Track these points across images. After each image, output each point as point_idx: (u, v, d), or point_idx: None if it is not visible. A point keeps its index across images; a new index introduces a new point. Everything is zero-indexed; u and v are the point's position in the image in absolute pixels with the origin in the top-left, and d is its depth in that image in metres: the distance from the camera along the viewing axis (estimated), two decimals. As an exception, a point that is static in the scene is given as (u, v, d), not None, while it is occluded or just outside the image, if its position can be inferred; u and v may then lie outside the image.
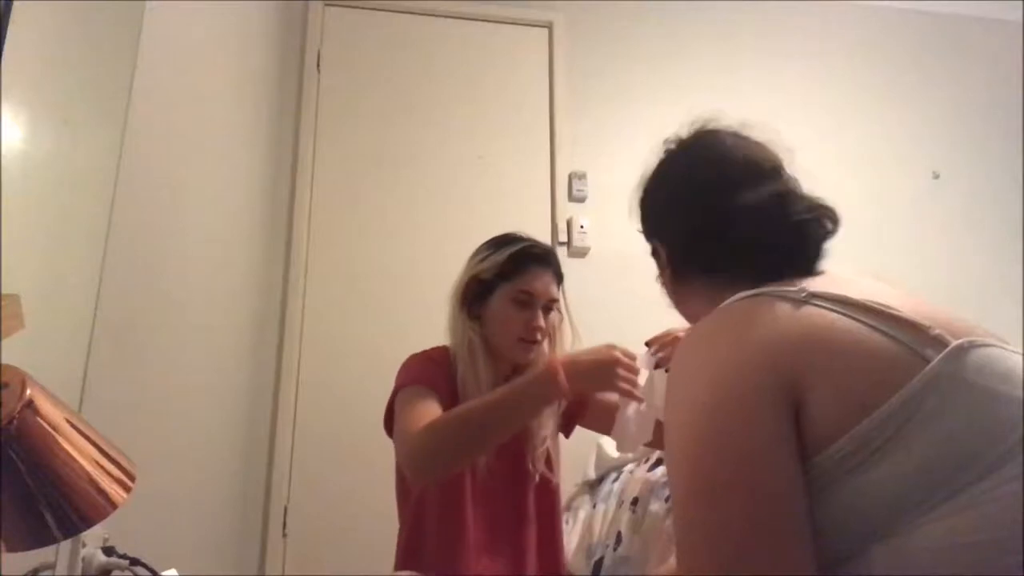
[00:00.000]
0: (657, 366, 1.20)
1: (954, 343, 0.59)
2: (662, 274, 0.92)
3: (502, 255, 1.39)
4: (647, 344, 1.24)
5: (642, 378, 1.18)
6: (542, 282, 1.36)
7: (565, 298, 1.44)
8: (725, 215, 0.80)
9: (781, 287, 0.68)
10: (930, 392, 0.57)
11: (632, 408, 1.18)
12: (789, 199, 0.79)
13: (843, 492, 0.57)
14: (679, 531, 0.63)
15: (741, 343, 0.65)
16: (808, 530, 0.57)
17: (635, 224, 0.97)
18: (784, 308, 0.66)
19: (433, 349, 1.43)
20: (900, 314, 0.62)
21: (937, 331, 0.60)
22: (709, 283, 0.82)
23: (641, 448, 1.37)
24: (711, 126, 0.89)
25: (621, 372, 1.14)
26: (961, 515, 0.54)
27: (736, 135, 0.87)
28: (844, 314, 0.63)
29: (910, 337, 0.61)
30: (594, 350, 1.17)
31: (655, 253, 0.92)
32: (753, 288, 0.74)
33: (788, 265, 0.76)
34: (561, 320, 1.43)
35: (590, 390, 1.20)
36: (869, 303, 0.64)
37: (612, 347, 1.16)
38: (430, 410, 1.23)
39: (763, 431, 0.60)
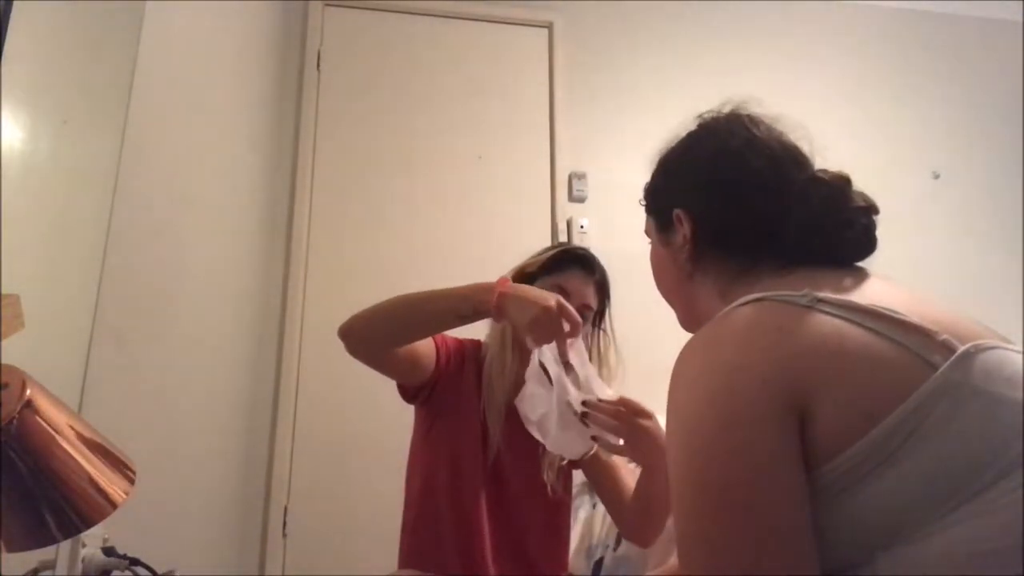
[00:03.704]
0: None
1: (961, 349, 0.58)
2: (670, 252, 0.86)
3: (550, 253, 1.42)
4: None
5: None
6: (579, 284, 1.37)
7: (611, 320, 1.44)
8: (781, 187, 0.76)
9: (786, 292, 0.67)
10: (938, 400, 0.56)
11: (547, 397, 1.14)
12: (850, 187, 0.75)
13: (850, 502, 0.57)
14: (681, 544, 0.62)
15: (744, 353, 0.63)
16: (811, 543, 0.57)
17: (638, 206, 0.94)
18: (789, 315, 0.64)
19: (468, 339, 1.46)
20: (907, 319, 0.61)
21: (944, 336, 0.59)
22: (729, 264, 0.79)
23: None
24: (753, 108, 0.86)
25: (548, 321, 1.10)
26: (969, 523, 0.53)
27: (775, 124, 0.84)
28: (850, 320, 0.62)
29: (917, 343, 0.59)
30: (540, 291, 1.16)
31: (665, 227, 0.87)
32: (777, 274, 0.72)
33: (830, 254, 0.73)
34: (609, 343, 1.43)
35: (513, 320, 1.16)
36: (876, 308, 0.62)
37: (556, 297, 1.13)
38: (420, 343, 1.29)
39: (766, 444, 0.59)
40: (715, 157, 0.83)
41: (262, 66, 2.29)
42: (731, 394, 0.61)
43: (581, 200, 2.72)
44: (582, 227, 2.66)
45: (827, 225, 0.74)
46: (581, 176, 2.74)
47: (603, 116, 2.85)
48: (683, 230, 0.83)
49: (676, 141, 0.89)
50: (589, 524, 2.00)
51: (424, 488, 1.36)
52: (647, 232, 0.94)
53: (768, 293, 0.68)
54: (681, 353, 0.70)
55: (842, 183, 0.75)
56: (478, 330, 1.44)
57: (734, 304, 0.70)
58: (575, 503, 2.23)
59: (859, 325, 0.61)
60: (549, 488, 1.36)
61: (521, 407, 1.18)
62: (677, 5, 3.03)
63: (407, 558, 1.36)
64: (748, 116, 0.84)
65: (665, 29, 3.00)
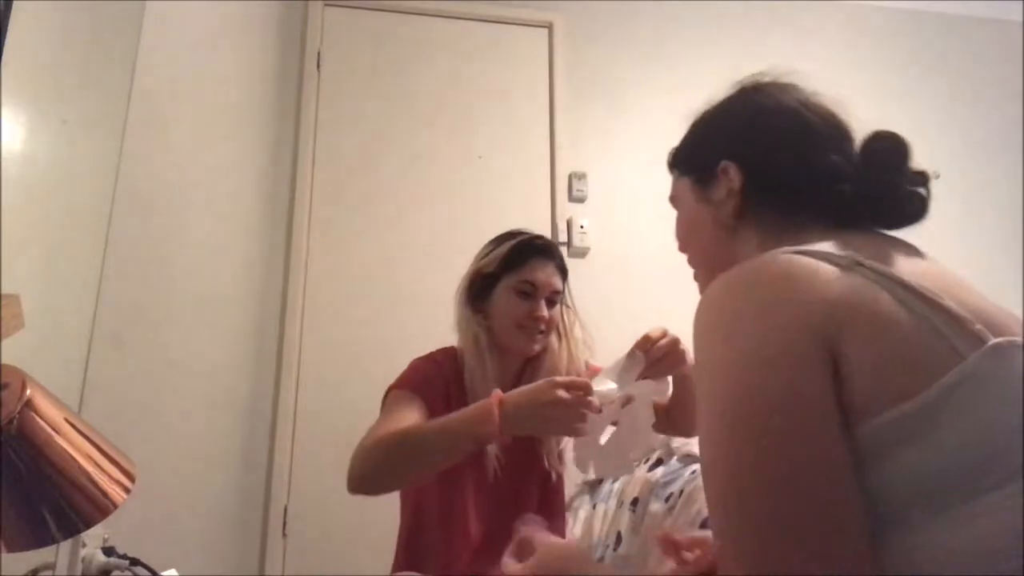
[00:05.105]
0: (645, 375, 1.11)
1: (992, 341, 0.56)
2: (710, 208, 0.82)
3: (505, 248, 1.40)
4: (640, 349, 1.12)
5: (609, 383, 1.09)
6: (544, 273, 1.37)
7: (571, 293, 1.44)
8: (838, 144, 0.76)
9: (827, 249, 0.65)
10: (962, 389, 0.55)
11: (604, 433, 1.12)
12: (911, 151, 0.74)
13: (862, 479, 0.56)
14: (718, 493, 0.60)
15: (783, 291, 0.62)
16: (856, 487, 0.55)
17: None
18: (828, 269, 0.63)
19: (439, 350, 1.43)
20: (942, 302, 0.59)
21: (978, 326, 0.58)
22: (776, 218, 0.77)
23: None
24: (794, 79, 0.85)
25: (565, 413, 1.03)
26: (979, 519, 0.53)
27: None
28: (888, 290, 0.60)
29: (950, 329, 0.58)
30: (534, 388, 1.06)
31: (705, 182, 0.83)
32: (822, 233, 0.70)
33: (884, 214, 0.73)
34: (574, 316, 1.43)
35: (528, 433, 1.14)
36: (913, 284, 0.60)
37: (553, 383, 1.04)
38: (405, 418, 1.22)
39: (812, 381, 0.57)
40: (769, 110, 0.82)
41: (262, 66, 2.29)
42: (772, 331, 0.60)
43: (581, 200, 2.72)
44: (582, 227, 2.66)
45: (888, 180, 0.73)
46: (581, 176, 2.74)
47: (603, 116, 2.85)
48: (729, 183, 0.81)
49: (716, 102, 0.88)
50: (589, 524, 2.01)
51: (417, 505, 1.37)
52: (674, 197, 0.91)
53: (807, 247, 0.66)
54: (708, 293, 0.68)
55: (907, 143, 0.75)
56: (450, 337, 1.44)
57: (770, 252, 0.67)
58: (575, 503, 2.24)
59: (895, 296, 0.60)
60: (554, 475, 1.38)
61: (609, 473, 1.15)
62: (677, 5, 3.03)
63: (402, 558, 1.37)
64: (792, 83, 0.84)
65: (665, 28, 3.00)
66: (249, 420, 2.20)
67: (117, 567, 0.95)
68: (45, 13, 0.90)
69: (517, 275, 1.36)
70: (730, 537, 0.58)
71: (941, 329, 0.58)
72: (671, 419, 1.30)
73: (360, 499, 2.27)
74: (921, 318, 0.58)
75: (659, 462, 1.84)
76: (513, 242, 1.41)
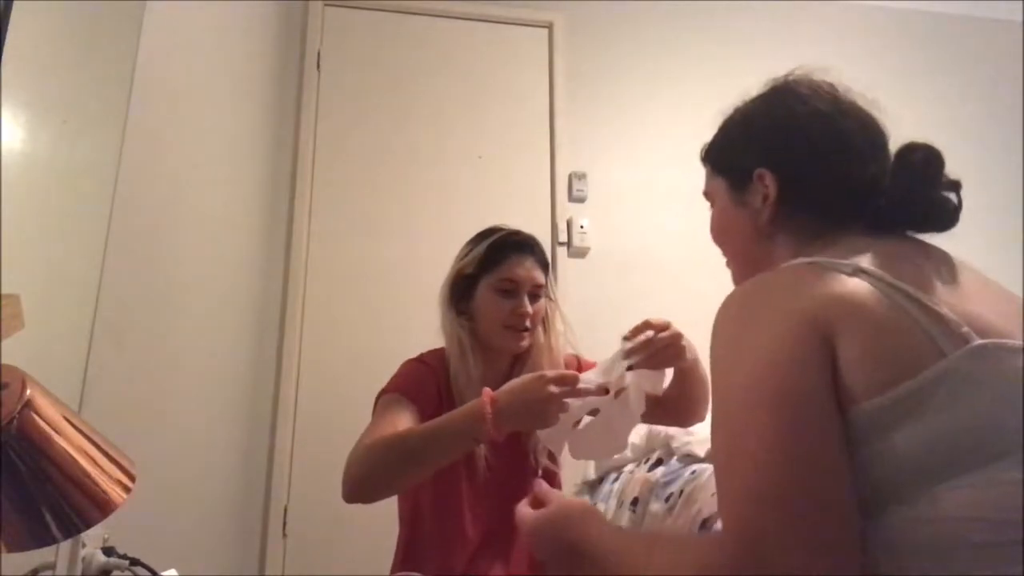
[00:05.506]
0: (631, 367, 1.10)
1: (975, 343, 0.60)
2: (747, 212, 0.84)
3: (483, 247, 1.39)
4: (632, 333, 1.12)
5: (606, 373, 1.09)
6: (524, 269, 1.35)
7: (554, 286, 1.44)
8: (873, 151, 0.79)
9: (834, 259, 0.70)
10: (942, 383, 0.59)
11: (591, 417, 1.12)
12: (943, 163, 0.77)
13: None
14: (723, 468, 0.64)
15: (788, 299, 0.68)
16: (844, 464, 0.60)
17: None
18: (831, 275, 0.68)
19: (428, 352, 1.43)
20: (936, 308, 0.63)
21: (965, 329, 0.62)
22: (810, 224, 0.79)
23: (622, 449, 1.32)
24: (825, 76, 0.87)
25: (557, 408, 1.03)
26: (962, 496, 0.56)
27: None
28: (885, 294, 0.65)
29: (938, 330, 0.62)
30: (524, 384, 1.05)
31: (740, 186, 0.84)
32: (854, 240, 0.74)
33: (916, 224, 0.76)
34: (555, 308, 1.43)
35: (521, 428, 1.15)
36: (909, 290, 0.65)
37: (543, 378, 1.03)
38: (398, 422, 1.21)
39: (809, 374, 0.62)
40: (803, 117, 0.83)
41: (262, 66, 2.29)
42: (776, 333, 0.65)
43: (581, 200, 2.72)
44: (582, 227, 2.66)
45: (924, 190, 0.76)
46: (581, 176, 2.74)
47: (603, 116, 2.85)
48: (765, 190, 0.82)
49: (749, 100, 0.89)
50: (589, 524, 2.00)
51: (415, 506, 1.37)
52: (709, 193, 0.92)
53: (817, 258, 0.71)
54: (726, 301, 0.73)
55: (941, 155, 0.77)
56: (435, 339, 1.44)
57: (785, 264, 0.74)
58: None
59: (890, 300, 0.65)
60: (540, 471, 1.37)
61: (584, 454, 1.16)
62: (677, 5, 3.03)
63: (400, 560, 1.37)
64: (826, 82, 0.86)
65: (666, 29, 3.00)
66: (249, 420, 2.20)
67: (117, 567, 0.95)
68: (45, 13, 0.90)
69: (497, 274, 1.35)
70: (727, 507, 0.62)
71: (929, 330, 0.62)
72: (667, 408, 1.30)
73: (360, 499, 2.23)
74: (911, 319, 0.63)
75: (659, 462, 1.84)
76: (490, 240, 1.40)
